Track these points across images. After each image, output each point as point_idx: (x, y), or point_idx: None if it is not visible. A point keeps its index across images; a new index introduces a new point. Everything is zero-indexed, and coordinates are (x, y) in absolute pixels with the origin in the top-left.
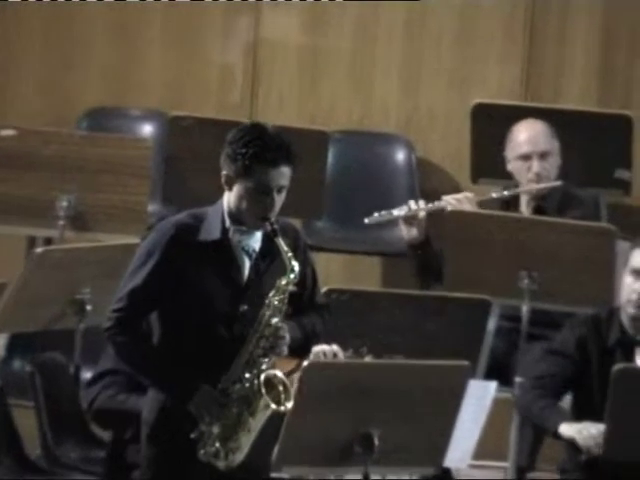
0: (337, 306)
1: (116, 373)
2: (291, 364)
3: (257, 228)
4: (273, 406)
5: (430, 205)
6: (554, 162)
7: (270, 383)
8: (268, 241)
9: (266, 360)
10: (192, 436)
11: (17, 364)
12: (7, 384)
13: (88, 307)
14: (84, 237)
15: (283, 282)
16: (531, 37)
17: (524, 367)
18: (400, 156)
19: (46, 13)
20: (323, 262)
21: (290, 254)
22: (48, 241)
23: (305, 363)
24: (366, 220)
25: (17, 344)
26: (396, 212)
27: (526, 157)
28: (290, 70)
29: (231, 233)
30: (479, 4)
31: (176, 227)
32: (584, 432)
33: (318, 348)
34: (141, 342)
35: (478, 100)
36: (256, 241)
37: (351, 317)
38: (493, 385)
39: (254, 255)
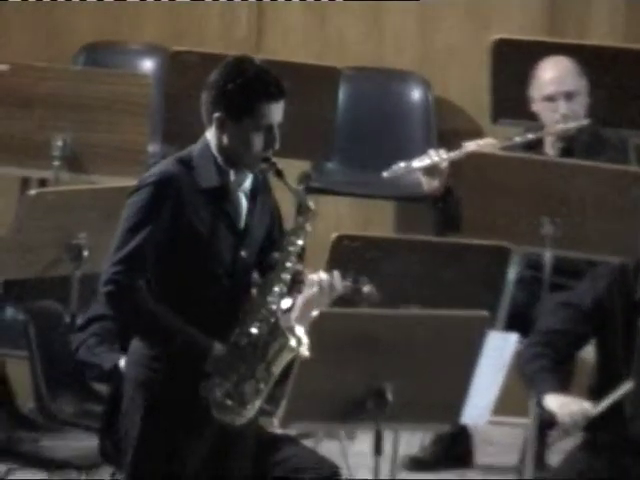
0: (348, 253)
1: (105, 318)
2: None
3: (257, 169)
4: (292, 344)
5: (452, 154)
6: (582, 102)
7: (283, 331)
8: (256, 180)
9: (280, 306)
10: (203, 392)
11: (10, 312)
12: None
13: (85, 253)
14: (80, 179)
15: (299, 223)
16: None
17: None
18: (416, 95)
19: None
20: (332, 206)
21: (301, 192)
22: (42, 182)
23: (315, 313)
24: (385, 173)
25: (10, 291)
26: (416, 163)
27: (552, 97)
28: (298, 3)
29: (232, 176)
30: None
31: (169, 178)
32: (565, 408)
33: (314, 277)
34: (147, 304)
35: (499, 35)
36: (248, 182)
37: (363, 265)
38: (514, 337)
39: (249, 197)
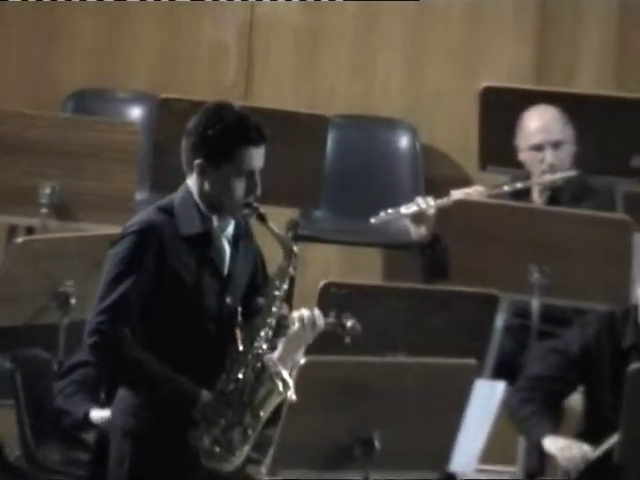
0: (336, 301)
1: (87, 365)
2: None
3: (240, 214)
4: (280, 388)
5: (439, 201)
6: (568, 151)
7: (270, 376)
8: (238, 226)
9: (266, 350)
10: (191, 440)
11: None
12: None
13: (72, 300)
14: (68, 227)
15: (283, 267)
16: (544, 17)
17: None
18: (404, 142)
19: None
20: (321, 254)
21: (284, 237)
22: (30, 230)
23: (302, 361)
24: (372, 220)
25: None
26: (404, 210)
27: (539, 147)
28: (288, 50)
29: (215, 223)
30: None
31: (151, 227)
32: (566, 452)
33: (295, 314)
34: (133, 353)
35: (487, 83)
36: (230, 227)
37: (350, 312)
38: (501, 385)
39: (231, 243)
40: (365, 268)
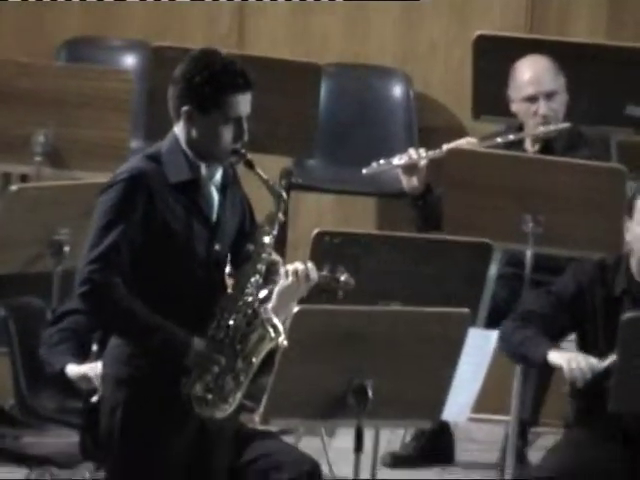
0: (329, 249)
1: (77, 312)
2: None
3: (227, 161)
4: (271, 334)
5: (431, 152)
6: (561, 101)
7: (261, 322)
8: (226, 174)
9: (255, 297)
10: (184, 388)
11: None
12: None
13: (66, 248)
14: (62, 175)
15: (272, 213)
16: None
17: None
18: (397, 91)
19: None
20: (314, 203)
21: (272, 182)
22: (23, 178)
23: (295, 309)
24: (364, 171)
25: None
26: (396, 161)
27: (531, 98)
28: (281, 3)
29: (203, 170)
30: None
31: (140, 175)
32: (573, 363)
33: (290, 267)
34: (124, 302)
35: (480, 32)
36: (218, 175)
37: (344, 261)
38: (494, 334)
39: (220, 190)
40: (359, 217)
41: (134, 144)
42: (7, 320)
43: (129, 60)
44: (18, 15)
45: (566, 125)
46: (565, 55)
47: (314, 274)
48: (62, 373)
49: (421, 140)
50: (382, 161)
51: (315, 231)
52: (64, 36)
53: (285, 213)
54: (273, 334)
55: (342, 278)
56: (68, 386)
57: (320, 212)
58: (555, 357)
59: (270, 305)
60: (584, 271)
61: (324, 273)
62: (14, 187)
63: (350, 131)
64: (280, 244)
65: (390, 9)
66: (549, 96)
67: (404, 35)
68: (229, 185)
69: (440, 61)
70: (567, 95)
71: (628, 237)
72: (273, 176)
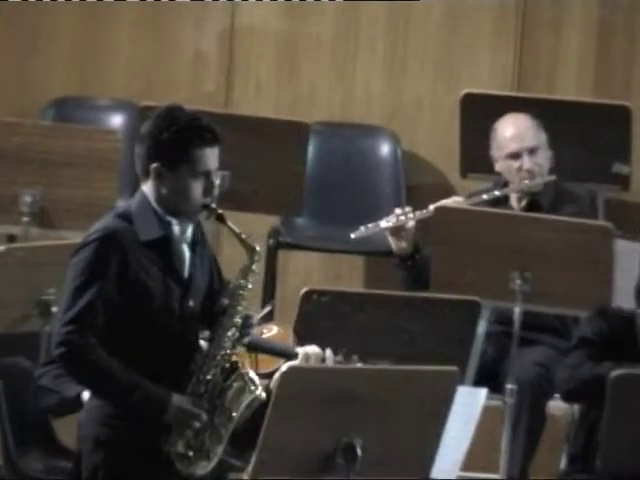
0: (317, 308)
1: None
2: (274, 364)
3: (197, 216)
4: (250, 387)
5: (418, 213)
6: (545, 155)
7: (238, 373)
8: (195, 230)
9: (232, 351)
10: (165, 446)
11: None
12: None
13: (54, 309)
14: (49, 235)
15: (246, 266)
16: (523, 23)
17: (515, 373)
18: (385, 149)
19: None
20: (302, 261)
21: (244, 235)
22: (11, 239)
23: (283, 367)
24: (352, 235)
25: None
26: (383, 223)
27: (515, 155)
28: (268, 57)
29: (174, 227)
30: None
31: (112, 233)
32: None
33: (308, 349)
34: (102, 362)
35: (467, 90)
36: (189, 231)
37: (332, 320)
38: (483, 392)
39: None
40: (347, 275)
41: (121, 203)
42: None
43: (116, 119)
44: (4, 72)
45: (552, 178)
46: (552, 113)
47: (329, 359)
48: (78, 399)
49: (409, 198)
50: (370, 225)
51: (303, 290)
52: (50, 94)
53: (277, 267)
54: (251, 387)
55: (357, 366)
56: (55, 446)
57: (308, 270)
58: None
59: None
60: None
61: (338, 359)
62: (1, 248)
63: (338, 189)
64: (269, 302)
65: (375, 66)
66: (532, 151)
67: (390, 92)
68: (199, 242)
69: (427, 119)
70: (550, 151)
71: None
72: (262, 235)
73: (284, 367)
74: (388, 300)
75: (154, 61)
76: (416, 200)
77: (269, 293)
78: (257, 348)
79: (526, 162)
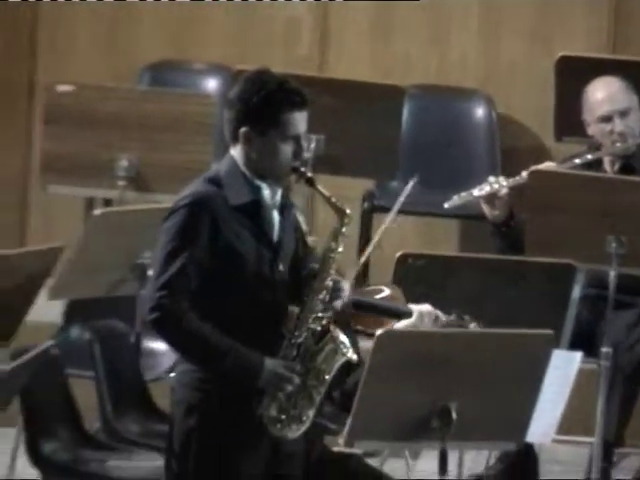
0: (412, 272)
1: None
2: (387, 324)
3: (286, 180)
4: (342, 349)
5: (511, 180)
6: (636, 117)
7: (329, 335)
8: (284, 195)
9: (324, 314)
10: (258, 410)
11: (75, 332)
12: (65, 353)
13: (149, 272)
14: (145, 198)
15: (336, 229)
16: None
17: (611, 337)
18: (480, 112)
19: None
20: (397, 225)
21: (334, 199)
22: (107, 202)
23: (379, 331)
24: (445, 205)
25: (75, 311)
26: (476, 192)
27: (606, 118)
28: (362, 23)
29: (264, 191)
30: None
31: (202, 198)
32: None
33: (423, 308)
34: (195, 326)
35: (562, 53)
36: (278, 196)
37: (427, 283)
38: (578, 355)
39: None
40: (442, 239)
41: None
42: (92, 344)
43: (211, 84)
44: (101, 38)
45: None
46: None
47: (442, 317)
48: None
49: (504, 161)
50: (463, 193)
51: (399, 253)
52: (146, 59)
53: (370, 231)
54: (344, 350)
55: (470, 326)
56: (152, 409)
57: (403, 234)
58: None
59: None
60: None
61: (452, 318)
62: (98, 212)
63: (432, 153)
64: (364, 266)
65: (471, 29)
66: (623, 114)
67: (485, 55)
68: (287, 206)
69: (522, 82)
70: None
71: None
72: (356, 198)
73: (378, 332)
74: (483, 264)
75: (248, 26)
76: (511, 163)
77: (364, 256)
78: (371, 308)
79: (618, 125)
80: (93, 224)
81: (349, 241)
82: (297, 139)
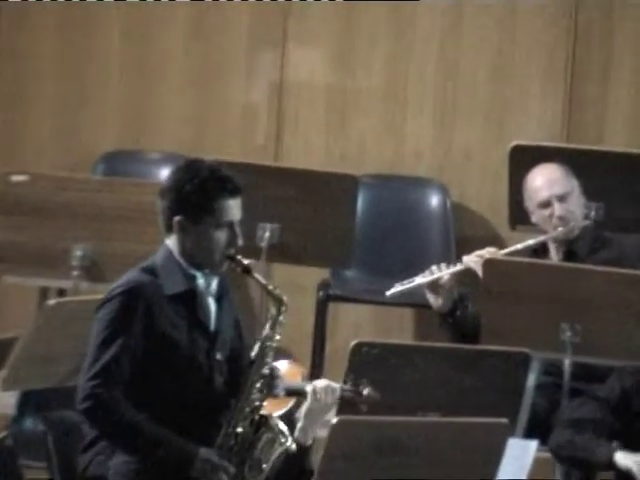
0: (367, 360)
1: None
2: (284, 404)
3: (222, 268)
4: (281, 438)
5: (452, 268)
6: (576, 202)
7: (267, 424)
8: (220, 283)
9: (261, 402)
10: None
11: (29, 423)
12: (18, 444)
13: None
14: (99, 288)
15: (274, 317)
16: (572, 74)
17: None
18: (434, 201)
19: (59, 53)
20: (352, 313)
21: (271, 287)
22: (61, 292)
23: (334, 420)
24: (387, 293)
25: (29, 402)
26: (418, 279)
27: (546, 203)
28: (317, 110)
29: (199, 280)
30: (517, 40)
31: (137, 287)
32: None
33: (317, 383)
34: (128, 416)
35: (516, 142)
36: (214, 284)
37: (382, 372)
38: (534, 444)
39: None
40: (396, 328)
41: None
42: (46, 434)
43: (166, 173)
44: (55, 127)
45: (586, 223)
46: (602, 164)
47: (336, 389)
48: None
49: (458, 250)
50: (405, 281)
51: (353, 342)
52: (101, 149)
53: (325, 320)
54: (282, 439)
55: (365, 392)
56: None
57: (358, 323)
58: (622, 459)
59: (299, 425)
60: (629, 374)
61: (347, 387)
62: (52, 301)
63: (388, 242)
64: (319, 355)
65: (424, 118)
66: (562, 198)
67: (439, 144)
68: (224, 295)
69: (476, 171)
70: (583, 198)
71: None
72: (311, 287)
73: (334, 420)
74: (438, 352)
75: (204, 114)
76: (465, 252)
77: (319, 346)
78: None
79: (557, 209)
80: (46, 314)
81: (305, 331)
82: (231, 226)
